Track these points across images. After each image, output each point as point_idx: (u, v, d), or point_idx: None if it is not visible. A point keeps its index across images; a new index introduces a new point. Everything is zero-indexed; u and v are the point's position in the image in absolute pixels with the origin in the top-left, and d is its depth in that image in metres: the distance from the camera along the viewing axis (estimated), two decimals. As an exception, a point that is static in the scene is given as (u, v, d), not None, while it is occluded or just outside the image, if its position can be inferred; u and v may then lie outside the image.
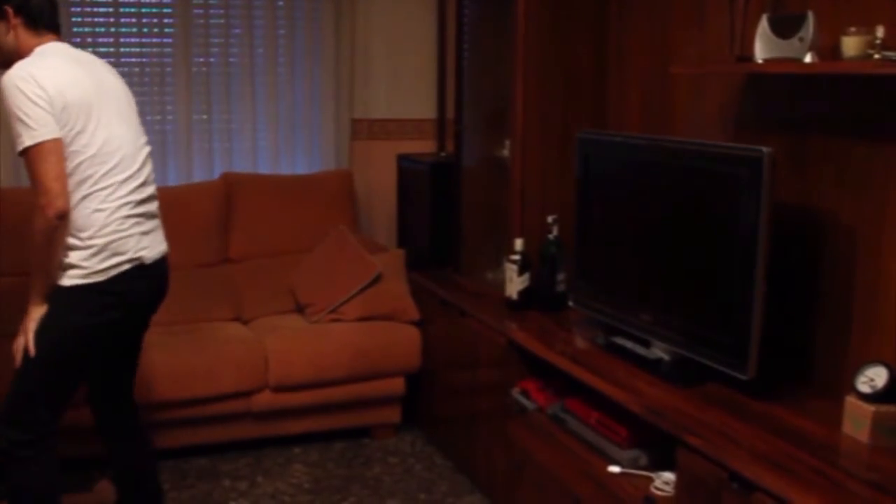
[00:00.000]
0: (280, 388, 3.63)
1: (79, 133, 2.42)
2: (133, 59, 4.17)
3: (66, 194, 2.38)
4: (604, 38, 3.41)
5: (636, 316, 2.75)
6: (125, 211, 2.51)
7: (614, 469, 2.56)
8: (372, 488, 3.46)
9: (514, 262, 3.30)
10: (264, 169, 4.42)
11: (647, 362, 2.66)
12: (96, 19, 4.11)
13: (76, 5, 4.04)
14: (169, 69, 4.21)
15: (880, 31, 2.14)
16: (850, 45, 2.19)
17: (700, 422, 2.26)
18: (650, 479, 2.46)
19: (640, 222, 2.78)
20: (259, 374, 3.59)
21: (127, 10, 4.12)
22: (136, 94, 4.09)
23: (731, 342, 2.36)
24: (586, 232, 3.05)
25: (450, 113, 4.31)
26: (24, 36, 2.50)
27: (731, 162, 2.36)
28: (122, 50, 4.14)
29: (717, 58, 2.80)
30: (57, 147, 2.37)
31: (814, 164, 2.51)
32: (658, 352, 2.66)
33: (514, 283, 3.31)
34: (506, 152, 3.57)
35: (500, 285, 3.42)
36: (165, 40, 4.19)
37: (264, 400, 3.63)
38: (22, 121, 2.34)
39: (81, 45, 4.05)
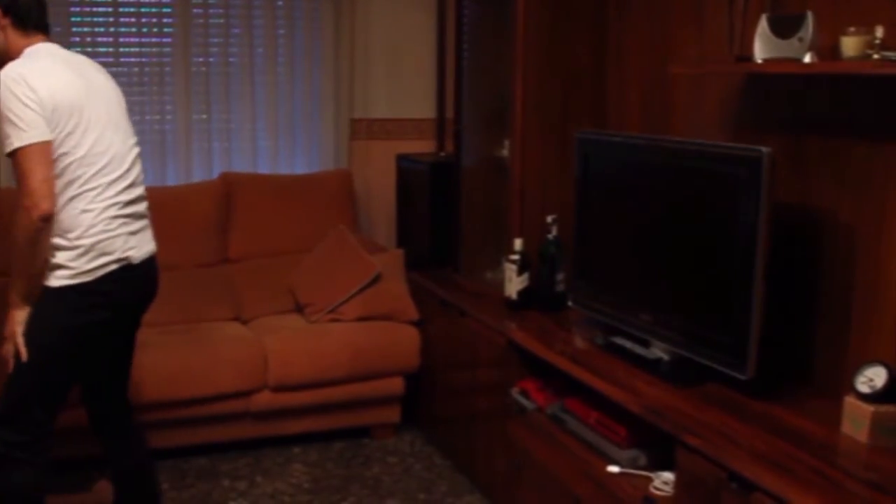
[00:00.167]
0: (279, 388, 3.63)
1: (69, 134, 2.43)
2: (132, 59, 4.17)
3: (51, 197, 2.38)
4: (603, 37, 3.41)
5: (636, 316, 2.75)
6: (113, 211, 2.52)
7: (613, 469, 2.56)
8: (371, 488, 3.46)
9: (513, 261, 3.30)
10: (264, 169, 4.42)
11: (646, 362, 2.66)
12: (95, 19, 4.11)
13: (75, 5, 4.04)
14: (168, 69, 4.21)
15: (879, 32, 2.14)
16: (850, 45, 2.19)
17: (699, 422, 2.26)
18: (649, 479, 2.46)
19: (639, 222, 2.78)
20: (258, 374, 3.59)
21: (126, 9, 4.12)
22: (135, 93, 4.19)
23: (731, 342, 2.36)
24: (586, 232, 3.05)
25: (449, 113, 4.31)
26: (14, 37, 2.50)
27: (730, 162, 2.36)
28: (121, 50, 4.14)
29: (717, 58, 2.80)
30: (45, 150, 2.37)
31: (813, 164, 2.51)
32: (657, 352, 2.66)
33: (514, 283, 3.31)
34: (505, 152, 3.57)
35: (500, 285, 3.42)
36: (165, 40, 4.19)
37: (264, 400, 3.63)
38: (12, 122, 2.35)
39: (81, 45, 4.07)
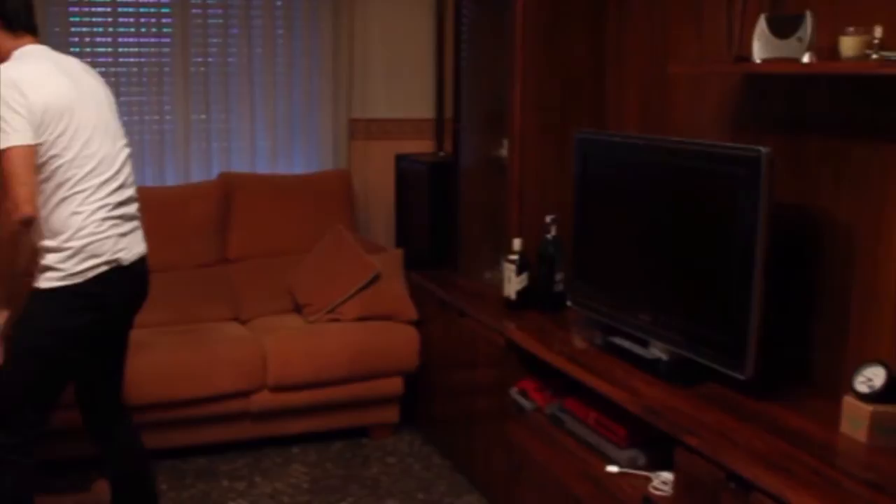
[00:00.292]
0: (278, 388, 3.63)
1: (58, 137, 2.43)
2: (131, 60, 4.16)
3: (32, 201, 2.39)
4: (602, 37, 3.41)
5: (634, 316, 2.75)
6: (103, 213, 2.52)
7: (612, 469, 2.56)
8: (370, 488, 3.46)
9: (512, 261, 3.30)
10: (262, 169, 4.41)
11: (645, 362, 2.66)
12: (94, 19, 4.10)
13: (74, 5, 4.04)
14: (167, 69, 4.21)
15: (878, 32, 2.14)
16: (849, 45, 2.19)
17: (698, 421, 2.26)
18: (648, 479, 2.46)
19: (638, 222, 2.78)
20: (257, 374, 3.59)
21: (125, 10, 4.12)
22: (134, 94, 4.19)
23: (730, 342, 2.36)
24: (584, 232, 3.05)
25: (448, 113, 4.31)
26: (2, 39, 2.51)
27: (729, 162, 2.36)
28: (120, 50, 4.14)
29: (716, 58, 2.80)
30: (28, 153, 2.38)
31: (812, 164, 2.51)
32: (656, 351, 2.66)
33: (513, 283, 3.31)
34: (504, 152, 3.57)
35: (499, 285, 3.42)
36: (163, 40, 4.19)
37: (263, 400, 3.63)
38: None
39: (80, 46, 4.07)
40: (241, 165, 4.37)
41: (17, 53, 2.49)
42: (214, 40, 4.26)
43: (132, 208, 2.66)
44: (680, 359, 2.57)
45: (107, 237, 2.52)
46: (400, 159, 4.33)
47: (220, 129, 4.35)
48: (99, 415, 2.80)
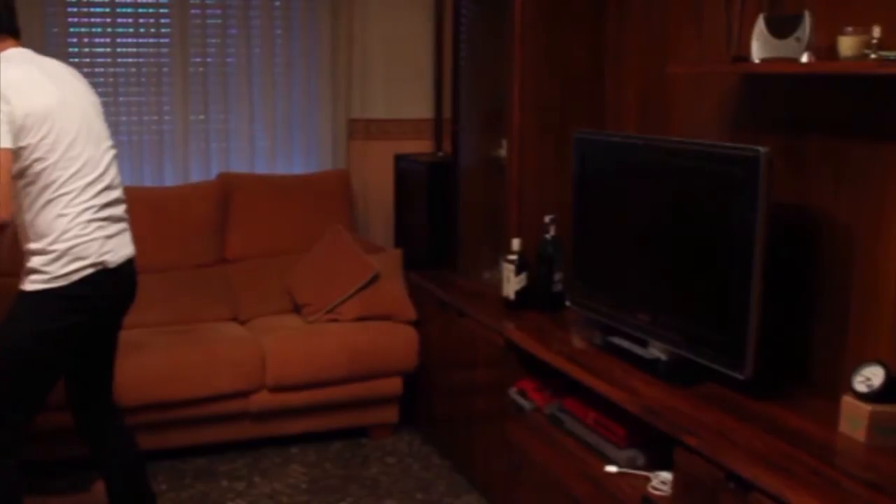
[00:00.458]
0: (277, 389, 3.63)
1: (41, 140, 2.43)
2: (130, 60, 4.16)
3: (6, 205, 2.38)
4: (601, 37, 3.41)
5: (633, 316, 2.75)
6: (88, 215, 2.51)
7: (612, 469, 2.56)
8: (369, 488, 3.46)
9: (511, 261, 3.30)
10: (261, 169, 4.41)
11: (644, 362, 2.66)
12: (93, 20, 4.10)
13: (73, 6, 4.03)
14: (166, 69, 4.20)
15: (877, 31, 2.14)
16: (847, 44, 2.19)
17: (697, 421, 2.26)
18: (647, 479, 2.46)
19: (637, 222, 2.78)
20: (256, 375, 3.59)
21: (123, 10, 4.11)
22: (132, 94, 4.19)
23: (729, 342, 2.36)
24: (583, 232, 3.05)
25: (447, 113, 4.31)
26: None
27: (728, 161, 2.36)
28: (118, 51, 4.13)
29: (714, 58, 2.80)
30: (6, 157, 2.37)
31: (811, 164, 2.51)
32: (655, 351, 2.66)
33: (512, 283, 3.31)
34: (503, 152, 3.57)
35: (498, 285, 3.42)
36: (162, 41, 4.18)
37: (262, 400, 3.63)
38: None
39: (78, 46, 4.07)
40: (239, 166, 4.36)
41: (1, 56, 2.48)
42: (213, 40, 4.26)
43: (119, 210, 2.65)
44: (679, 359, 2.57)
45: (92, 239, 2.51)
46: (399, 159, 4.33)
47: (219, 129, 4.35)
48: (90, 416, 2.79)
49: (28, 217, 2.47)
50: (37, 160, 2.43)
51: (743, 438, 2.15)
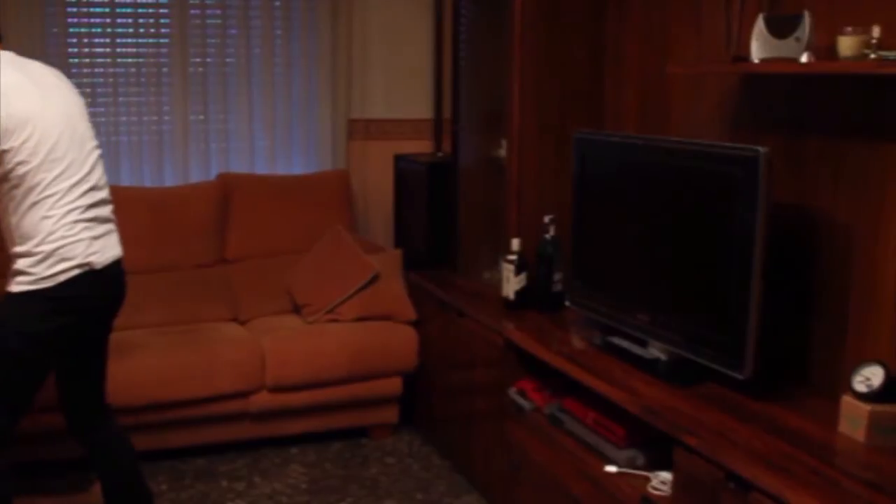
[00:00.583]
0: (277, 389, 3.63)
1: (23, 143, 2.42)
2: (129, 60, 4.16)
3: None
4: (600, 37, 3.41)
5: (633, 316, 2.75)
6: (73, 216, 2.50)
7: (611, 469, 2.56)
8: (369, 488, 3.46)
9: (510, 262, 3.30)
10: (261, 169, 4.41)
11: (644, 362, 2.66)
12: (92, 20, 4.09)
13: (72, 6, 4.03)
14: (165, 70, 4.20)
15: (876, 31, 2.14)
16: (847, 44, 2.19)
17: (697, 421, 2.26)
18: (647, 479, 2.46)
19: (636, 222, 2.78)
20: (256, 375, 3.59)
21: (123, 10, 4.11)
22: (132, 94, 4.19)
23: (728, 342, 2.36)
24: (583, 232, 3.05)
25: (446, 113, 4.31)
26: None
27: (727, 162, 2.36)
28: (118, 51, 4.13)
29: (714, 58, 2.80)
30: None
31: (810, 164, 2.51)
32: (655, 351, 2.66)
33: (511, 283, 3.31)
34: (502, 152, 3.57)
35: (497, 285, 3.42)
36: (162, 41, 4.18)
37: (262, 400, 3.63)
38: None
39: (77, 46, 4.07)
40: (239, 166, 4.37)
41: None
42: (213, 41, 4.26)
43: (105, 210, 2.64)
44: (679, 359, 2.57)
45: (78, 240, 2.50)
46: (399, 159, 4.33)
47: (219, 129, 4.35)
48: (83, 417, 2.79)
49: (14, 220, 2.47)
50: (20, 163, 2.42)
51: (743, 438, 2.15)
